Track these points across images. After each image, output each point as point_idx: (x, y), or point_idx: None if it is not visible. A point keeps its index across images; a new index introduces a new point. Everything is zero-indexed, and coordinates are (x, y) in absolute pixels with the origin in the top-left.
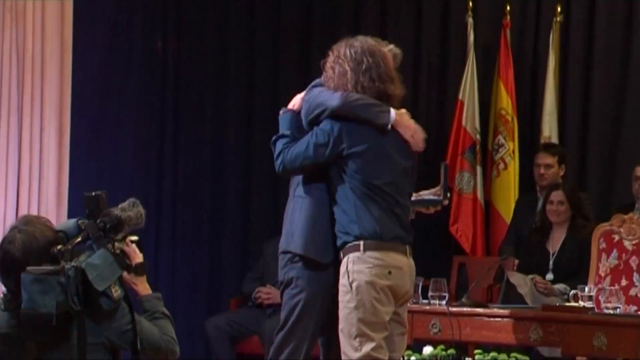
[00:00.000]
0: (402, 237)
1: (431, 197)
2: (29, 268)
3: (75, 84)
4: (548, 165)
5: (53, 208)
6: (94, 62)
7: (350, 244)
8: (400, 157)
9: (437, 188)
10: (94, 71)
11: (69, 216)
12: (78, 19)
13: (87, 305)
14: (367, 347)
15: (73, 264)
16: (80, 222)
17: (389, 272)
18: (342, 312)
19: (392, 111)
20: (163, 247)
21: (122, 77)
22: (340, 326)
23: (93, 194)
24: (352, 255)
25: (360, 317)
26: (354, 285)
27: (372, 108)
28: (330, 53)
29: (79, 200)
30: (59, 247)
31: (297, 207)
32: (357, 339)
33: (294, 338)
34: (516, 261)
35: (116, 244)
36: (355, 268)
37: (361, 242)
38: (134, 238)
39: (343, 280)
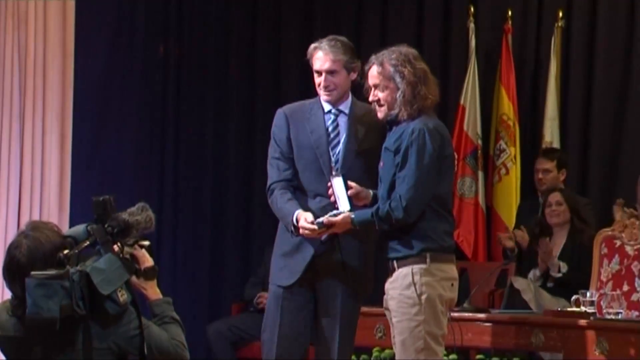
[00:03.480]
0: (454, 246)
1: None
2: (33, 273)
3: (77, 89)
4: (546, 170)
5: (55, 214)
6: (95, 67)
7: (413, 256)
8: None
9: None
10: (95, 76)
11: (71, 222)
12: (80, 25)
13: (92, 309)
14: None
15: (78, 268)
16: (89, 227)
17: (452, 285)
18: (406, 324)
19: None
20: (164, 252)
21: (123, 82)
22: (401, 338)
23: (101, 198)
24: (417, 267)
25: (428, 330)
26: (423, 297)
27: None
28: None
29: (82, 206)
30: (65, 251)
31: None
32: (423, 353)
33: None
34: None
35: (126, 248)
36: (424, 280)
37: (428, 254)
38: (146, 243)
39: (407, 292)
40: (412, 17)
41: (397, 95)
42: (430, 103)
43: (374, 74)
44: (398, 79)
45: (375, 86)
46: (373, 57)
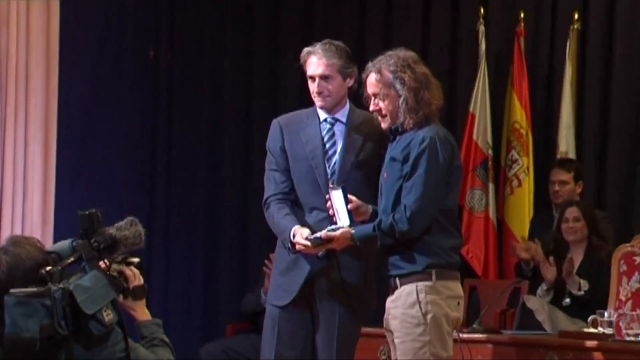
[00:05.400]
0: (459, 263)
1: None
2: (12, 290)
3: (62, 96)
4: (563, 182)
5: (38, 228)
6: (82, 72)
7: (418, 272)
8: None
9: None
10: (81, 82)
11: (56, 236)
12: (65, 27)
13: (75, 329)
14: None
15: (61, 285)
16: (75, 242)
17: (458, 303)
18: (410, 346)
19: None
20: (155, 268)
21: (111, 88)
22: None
23: (87, 212)
24: (422, 285)
25: (433, 351)
26: (428, 317)
27: None
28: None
29: (66, 220)
30: (48, 268)
31: None
32: None
33: None
34: None
35: (113, 265)
36: (429, 299)
37: (433, 271)
38: (135, 260)
39: (411, 311)
40: (418, 19)
41: (399, 103)
42: (435, 108)
43: (372, 82)
44: (398, 86)
45: (375, 95)
46: (370, 65)
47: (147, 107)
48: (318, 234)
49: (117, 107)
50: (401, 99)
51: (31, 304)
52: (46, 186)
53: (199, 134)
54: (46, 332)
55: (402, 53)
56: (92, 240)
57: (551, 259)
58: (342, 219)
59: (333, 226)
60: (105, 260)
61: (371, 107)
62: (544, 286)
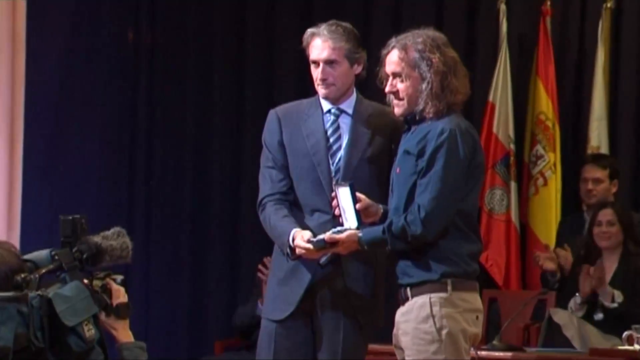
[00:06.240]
0: (478, 272)
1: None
2: None
3: (29, 84)
4: (597, 180)
5: (2, 233)
6: (51, 57)
7: (432, 282)
8: None
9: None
10: (51, 68)
11: (22, 243)
12: (32, 6)
13: (52, 343)
14: None
15: (39, 292)
16: (53, 252)
17: (476, 317)
18: None
19: None
20: (134, 280)
21: (85, 75)
22: None
23: (70, 217)
24: (436, 296)
25: None
26: (443, 333)
27: None
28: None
29: (35, 224)
30: (24, 275)
31: None
32: None
33: None
34: None
35: (95, 281)
36: (444, 312)
37: (449, 280)
38: (118, 277)
39: (424, 326)
40: None
41: (422, 87)
42: (461, 100)
43: (394, 59)
44: (424, 68)
45: (395, 75)
46: (393, 40)
47: (126, 97)
48: (321, 236)
49: (91, 97)
50: (425, 83)
51: (6, 309)
52: (11, 186)
53: (184, 127)
54: (20, 342)
55: (432, 32)
56: (74, 249)
57: (591, 269)
58: (349, 220)
59: (339, 228)
60: (85, 280)
61: (387, 88)
62: (577, 299)
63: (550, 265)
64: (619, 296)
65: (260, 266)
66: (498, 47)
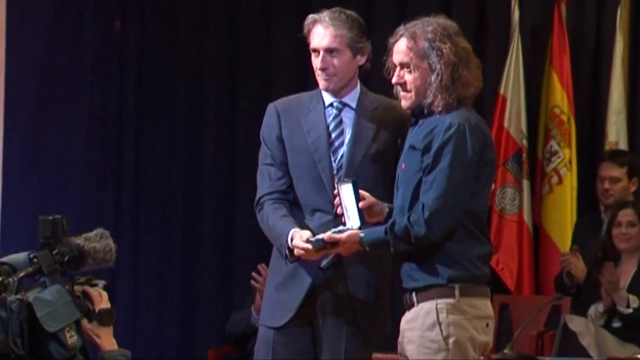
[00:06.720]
0: (488, 276)
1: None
2: None
3: (9, 76)
4: (614, 179)
5: None
6: (33, 48)
7: (438, 286)
8: None
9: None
10: (33, 59)
11: (2, 246)
12: (12, 1)
13: (32, 350)
14: None
15: (18, 296)
16: (32, 255)
17: (487, 325)
18: None
19: None
20: (122, 285)
21: (69, 66)
22: None
23: (50, 217)
24: (443, 302)
25: None
26: (450, 341)
27: None
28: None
29: (14, 225)
30: (1, 278)
31: None
32: None
33: None
34: None
35: (76, 287)
36: (452, 319)
37: (456, 285)
38: (101, 282)
39: (430, 334)
40: None
41: (432, 79)
42: (472, 93)
43: (402, 49)
44: (434, 58)
45: (402, 65)
46: (402, 28)
47: (112, 90)
48: (321, 236)
49: (75, 89)
50: (434, 74)
51: None
52: None
53: (174, 122)
54: None
55: (443, 21)
56: (54, 251)
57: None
58: (352, 219)
59: (340, 227)
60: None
61: (394, 79)
62: (600, 307)
63: (580, 267)
64: (634, 301)
65: (254, 274)
66: (510, 36)
